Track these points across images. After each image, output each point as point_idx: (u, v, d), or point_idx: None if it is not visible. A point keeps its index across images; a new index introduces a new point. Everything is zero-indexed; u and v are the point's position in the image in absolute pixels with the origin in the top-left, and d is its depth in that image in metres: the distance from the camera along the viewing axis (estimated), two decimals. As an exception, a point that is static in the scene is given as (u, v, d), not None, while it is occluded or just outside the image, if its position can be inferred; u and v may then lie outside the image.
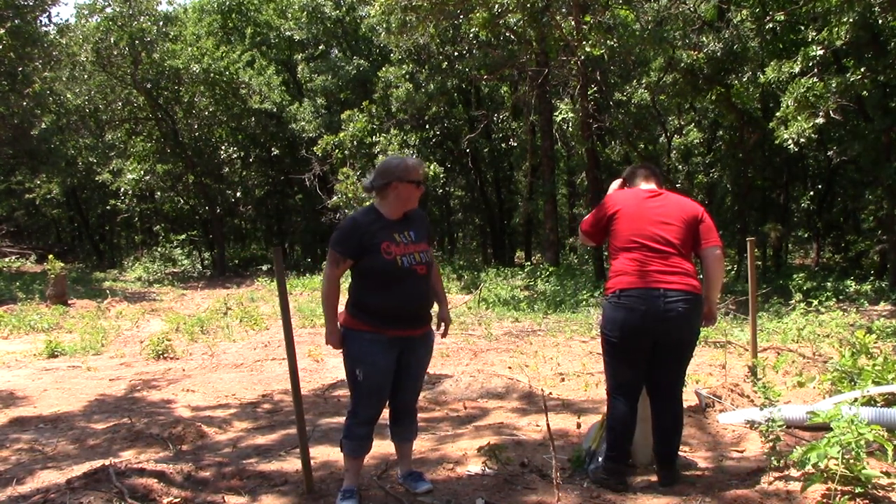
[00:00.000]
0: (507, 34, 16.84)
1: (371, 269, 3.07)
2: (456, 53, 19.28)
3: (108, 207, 26.12)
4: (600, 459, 3.57)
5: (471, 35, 17.21)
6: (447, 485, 3.48)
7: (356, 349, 3.11)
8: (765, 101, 16.18)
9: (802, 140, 11.57)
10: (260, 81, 22.42)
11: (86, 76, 21.52)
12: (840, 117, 11.78)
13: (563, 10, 14.78)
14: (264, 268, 23.19)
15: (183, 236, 24.38)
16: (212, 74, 21.30)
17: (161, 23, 21.69)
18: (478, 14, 13.89)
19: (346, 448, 3.22)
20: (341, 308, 3.23)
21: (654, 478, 3.53)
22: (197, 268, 25.06)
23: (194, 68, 21.03)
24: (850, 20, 10.74)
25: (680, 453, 3.87)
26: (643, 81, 18.40)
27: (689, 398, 5.05)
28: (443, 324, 3.39)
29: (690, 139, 21.28)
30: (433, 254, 3.38)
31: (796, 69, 11.62)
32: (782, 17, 13.64)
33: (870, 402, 4.22)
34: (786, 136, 11.40)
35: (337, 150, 18.80)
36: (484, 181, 25.29)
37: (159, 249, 25.14)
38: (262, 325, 10.05)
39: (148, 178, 22.92)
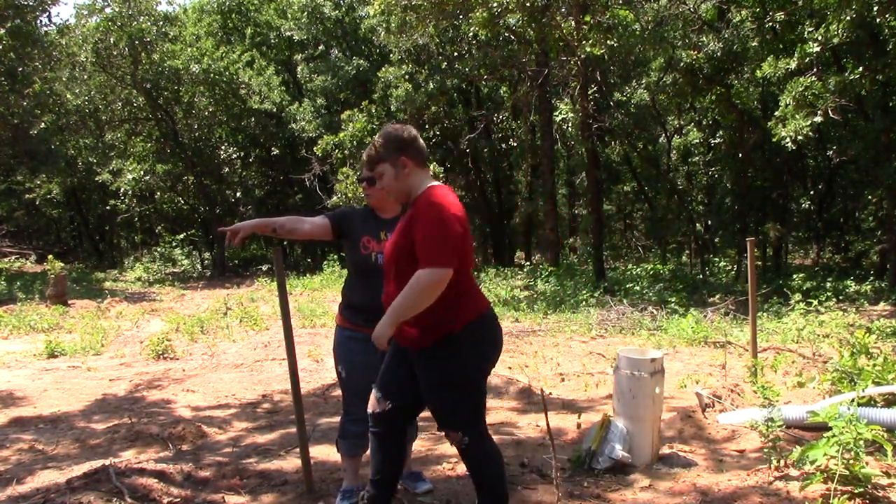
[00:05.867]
0: (507, 34, 16.83)
1: (350, 262, 3.19)
2: (456, 53, 19.27)
3: (108, 207, 26.10)
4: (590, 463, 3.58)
5: (471, 35, 17.20)
6: (447, 484, 3.48)
7: (338, 345, 3.19)
8: (765, 102, 16.17)
9: (800, 138, 11.53)
10: (260, 81, 22.42)
11: (86, 76, 21.52)
12: (839, 117, 11.77)
13: (563, 10, 14.77)
14: (264, 268, 23.21)
15: (182, 236, 24.36)
16: (211, 75, 21.30)
17: (161, 23, 21.67)
18: (478, 14, 13.88)
19: (342, 447, 3.23)
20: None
21: (653, 478, 3.53)
22: (197, 268, 25.06)
23: (194, 68, 21.03)
24: (848, 18, 10.73)
25: (680, 453, 3.88)
26: (643, 81, 18.39)
27: (689, 398, 5.06)
28: None
29: (690, 139, 21.27)
30: None
31: (793, 65, 11.61)
32: (782, 17, 13.63)
33: (869, 402, 4.23)
34: (783, 133, 11.38)
35: (337, 150, 18.80)
36: (484, 181, 25.27)
37: (159, 249, 25.13)
38: (262, 325, 10.05)
39: (148, 178, 22.91)
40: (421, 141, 2.70)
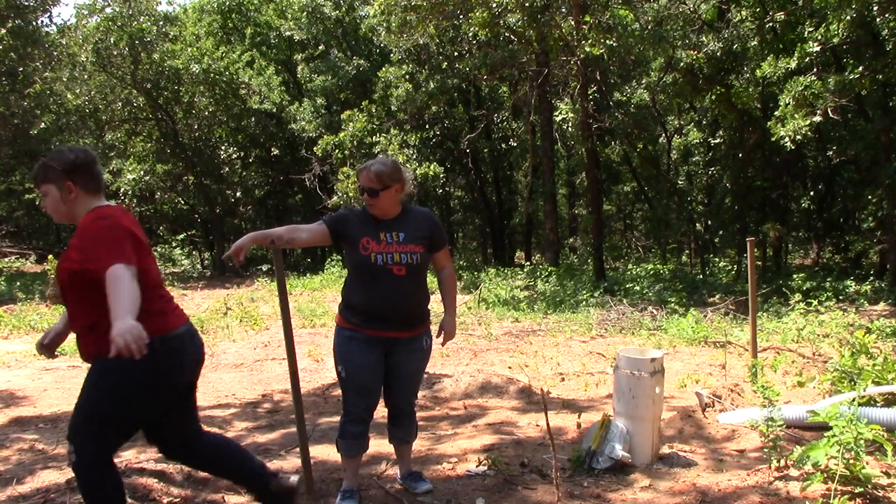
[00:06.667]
0: (507, 34, 16.83)
1: (350, 263, 3.18)
2: (456, 53, 19.28)
3: (107, 207, 26.07)
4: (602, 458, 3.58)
5: (471, 35, 17.20)
6: (447, 485, 3.48)
7: (338, 346, 3.17)
8: (764, 102, 16.18)
9: (799, 138, 11.54)
10: (260, 81, 22.42)
11: (86, 76, 21.50)
12: (839, 117, 11.77)
13: (563, 9, 14.78)
14: (264, 268, 23.18)
15: (182, 236, 24.40)
16: (212, 75, 21.29)
17: (161, 23, 21.66)
18: (478, 14, 13.89)
19: (341, 447, 3.23)
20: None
21: (653, 478, 3.53)
22: (197, 268, 25.06)
23: (194, 68, 21.02)
24: (848, 17, 10.73)
25: (680, 453, 3.88)
26: (643, 81, 18.39)
27: (689, 398, 5.06)
28: (443, 333, 3.36)
29: (690, 139, 21.29)
30: (447, 259, 3.35)
31: (792, 65, 11.62)
32: (782, 17, 13.63)
33: (869, 401, 4.23)
34: (782, 132, 11.38)
35: (337, 150, 18.80)
36: (484, 181, 25.30)
37: (159, 249, 25.15)
38: (262, 325, 10.04)
39: (148, 178, 22.90)
40: (97, 168, 2.55)
